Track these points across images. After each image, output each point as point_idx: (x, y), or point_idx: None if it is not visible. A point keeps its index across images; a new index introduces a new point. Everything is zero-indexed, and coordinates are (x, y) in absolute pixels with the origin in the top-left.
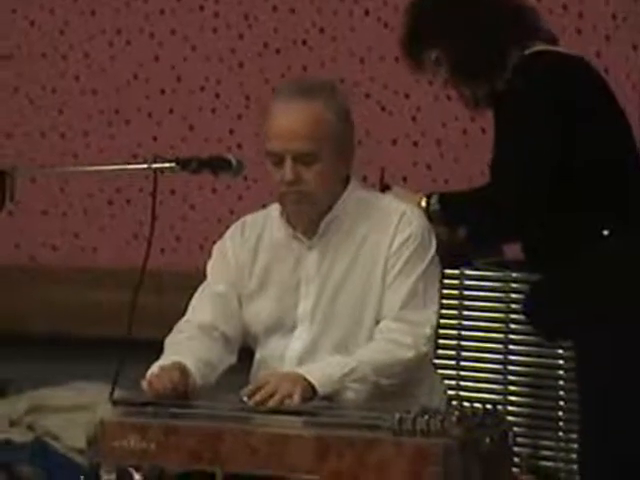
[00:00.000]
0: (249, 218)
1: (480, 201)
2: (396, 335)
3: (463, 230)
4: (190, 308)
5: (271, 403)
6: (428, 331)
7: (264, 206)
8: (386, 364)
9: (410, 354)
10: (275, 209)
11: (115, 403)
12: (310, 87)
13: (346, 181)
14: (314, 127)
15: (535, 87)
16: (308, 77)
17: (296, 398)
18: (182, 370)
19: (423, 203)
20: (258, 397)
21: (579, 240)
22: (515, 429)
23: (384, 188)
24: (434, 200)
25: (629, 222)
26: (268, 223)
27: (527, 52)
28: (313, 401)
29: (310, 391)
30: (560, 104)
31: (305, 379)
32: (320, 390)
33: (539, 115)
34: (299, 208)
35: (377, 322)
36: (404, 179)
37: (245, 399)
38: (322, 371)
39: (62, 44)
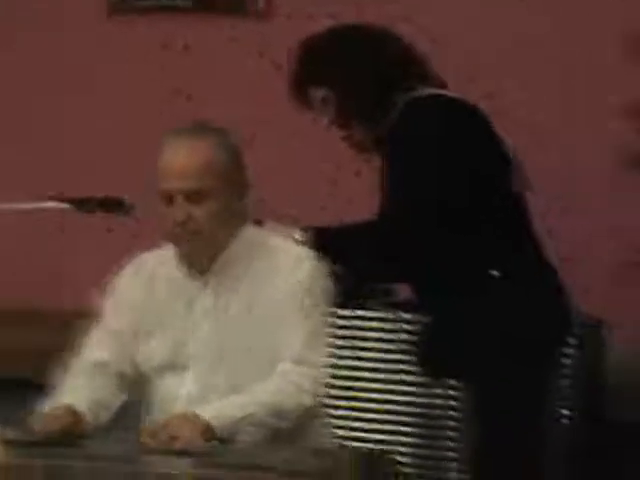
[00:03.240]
0: (144, 257)
1: (366, 235)
2: (296, 378)
3: (339, 266)
4: (84, 346)
5: (173, 446)
6: (324, 374)
7: (158, 245)
8: (284, 408)
9: (309, 399)
10: (170, 247)
11: (4, 443)
12: (200, 127)
13: (242, 220)
14: (204, 165)
15: (421, 129)
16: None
17: (197, 441)
18: (73, 411)
19: (297, 237)
20: (159, 439)
21: (468, 281)
22: (406, 470)
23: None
24: (307, 235)
25: (520, 266)
26: (163, 262)
27: (414, 95)
28: (211, 442)
29: (209, 432)
30: (446, 145)
31: (204, 420)
32: (219, 432)
33: (425, 156)
34: (191, 247)
35: (271, 364)
36: (298, 219)
37: (145, 440)
38: (221, 412)
39: None
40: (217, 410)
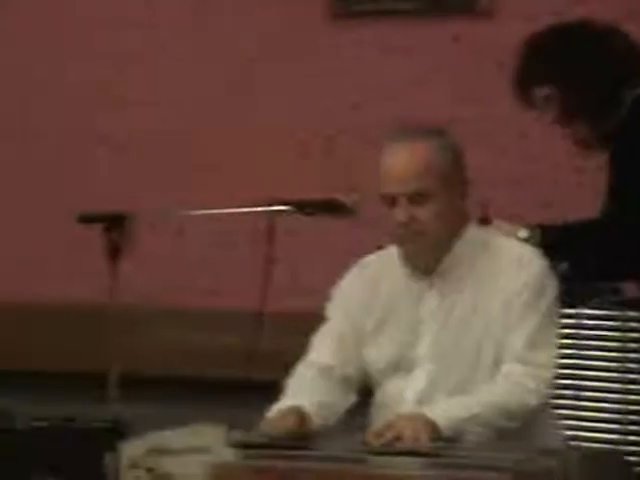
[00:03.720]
0: (368, 259)
1: (593, 233)
2: (521, 379)
3: (564, 265)
4: (310, 350)
5: (399, 445)
6: (550, 374)
7: (380, 247)
8: (510, 409)
9: (534, 399)
10: (394, 249)
11: (233, 445)
12: (419, 129)
13: (465, 220)
14: (424, 167)
15: None
16: (418, 122)
17: (423, 441)
18: (300, 414)
19: (522, 235)
20: (385, 439)
21: None
22: (636, 469)
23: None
24: (532, 233)
25: None
26: (387, 263)
27: None
28: (437, 442)
29: (435, 433)
30: None
31: (431, 420)
32: (445, 432)
33: None
34: (416, 248)
35: (497, 364)
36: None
37: (371, 441)
38: (447, 413)
39: None
40: (443, 410)
